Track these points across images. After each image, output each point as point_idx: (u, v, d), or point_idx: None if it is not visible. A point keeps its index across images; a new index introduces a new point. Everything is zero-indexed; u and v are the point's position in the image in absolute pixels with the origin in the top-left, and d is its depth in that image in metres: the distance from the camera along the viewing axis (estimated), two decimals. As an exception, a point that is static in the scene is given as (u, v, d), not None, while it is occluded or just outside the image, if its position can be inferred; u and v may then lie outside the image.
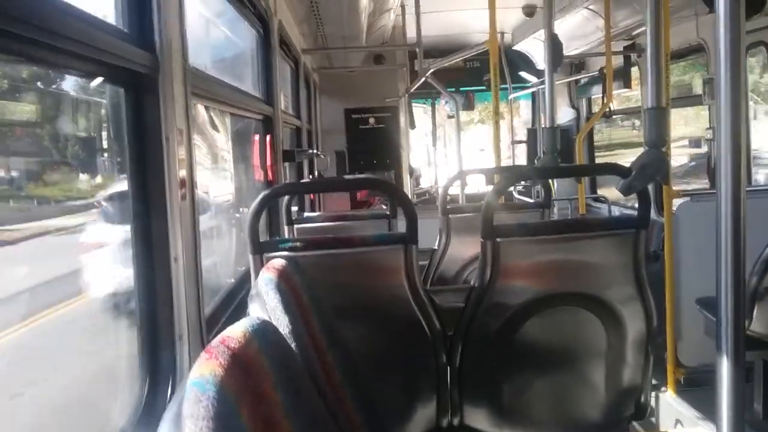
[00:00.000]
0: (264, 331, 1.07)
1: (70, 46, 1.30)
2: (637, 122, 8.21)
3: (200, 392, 0.82)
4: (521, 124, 9.72)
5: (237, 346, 0.96)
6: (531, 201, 5.59)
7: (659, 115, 2.17)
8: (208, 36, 3.27)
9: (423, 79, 5.86)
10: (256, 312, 1.40)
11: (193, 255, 1.84)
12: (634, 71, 5.89)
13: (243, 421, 0.87)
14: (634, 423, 2.78)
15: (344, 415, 1.45)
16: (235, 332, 1.00)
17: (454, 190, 5.79)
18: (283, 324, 1.34)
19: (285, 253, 2.04)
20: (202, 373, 0.86)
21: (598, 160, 7.49)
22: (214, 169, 3.40)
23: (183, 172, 1.80)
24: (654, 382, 2.72)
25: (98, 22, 1.49)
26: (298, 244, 2.08)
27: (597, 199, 6.66)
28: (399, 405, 2.17)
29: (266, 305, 1.38)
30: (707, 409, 3.33)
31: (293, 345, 1.31)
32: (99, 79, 1.69)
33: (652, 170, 2.17)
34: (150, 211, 1.70)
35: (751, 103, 4.95)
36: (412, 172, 7.78)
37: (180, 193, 1.76)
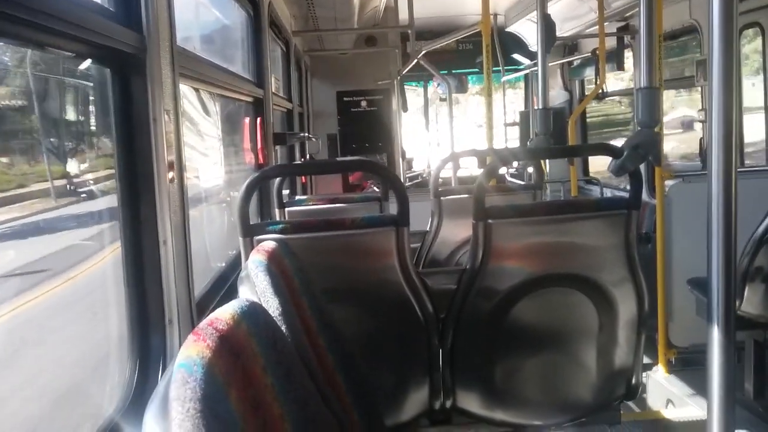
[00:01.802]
0: (253, 313, 1.06)
1: (55, 25, 1.27)
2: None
3: (187, 374, 0.81)
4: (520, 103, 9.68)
5: (225, 328, 0.95)
6: (523, 183, 5.59)
7: (651, 94, 2.15)
8: (197, 16, 3.23)
9: (415, 61, 5.82)
10: (245, 294, 1.39)
11: (183, 238, 1.83)
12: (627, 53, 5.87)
13: (231, 402, 0.86)
14: (626, 403, 2.80)
15: (336, 398, 1.44)
16: (224, 314, 0.99)
17: (447, 172, 5.79)
18: (273, 306, 1.33)
19: (275, 235, 2.02)
20: (189, 355, 0.84)
21: (593, 139, 7.50)
22: (203, 152, 3.37)
23: (171, 155, 1.78)
24: (646, 362, 2.74)
25: (84, 1, 1.46)
26: (288, 226, 2.06)
27: (589, 181, 6.67)
28: (391, 387, 2.17)
29: (256, 288, 1.37)
30: (698, 388, 3.36)
31: (283, 327, 1.30)
32: (87, 61, 1.66)
33: (644, 150, 2.16)
34: (138, 193, 1.68)
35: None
36: (404, 154, 7.75)
37: (168, 176, 1.74)
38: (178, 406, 0.77)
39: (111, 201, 1.74)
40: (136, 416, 1.52)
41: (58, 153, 1.82)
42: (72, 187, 1.83)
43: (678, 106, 6.95)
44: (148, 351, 1.67)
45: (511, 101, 9.51)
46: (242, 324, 1.00)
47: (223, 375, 0.86)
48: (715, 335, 1.45)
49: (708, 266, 1.44)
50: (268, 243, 1.65)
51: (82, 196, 1.91)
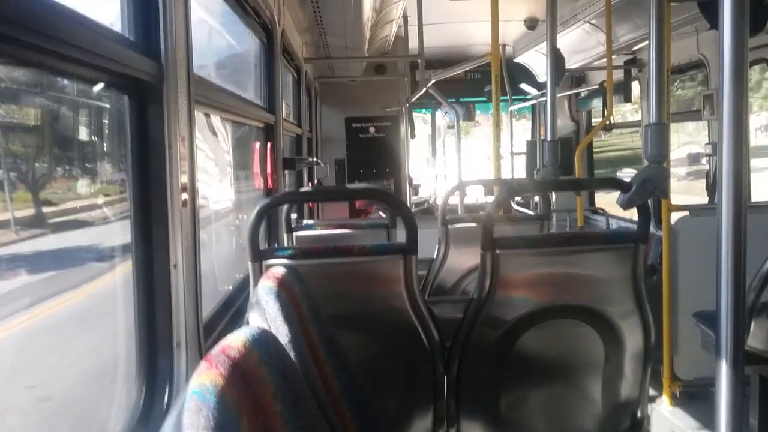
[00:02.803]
0: (264, 340, 1.08)
1: (75, 54, 1.31)
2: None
3: (201, 402, 0.82)
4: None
5: (237, 356, 0.96)
6: (530, 212, 5.60)
7: (659, 130, 2.18)
8: (212, 44, 3.29)
9: (424, 89, 5.89)
10: (255, 321, 1.40)
11: (193, 262, 1.85)
12: (634, 85, 5.92)
13: (242, 430, 0.87)
14: None
15: (342, 426, 1.45)
16: (236, 341, 1.01)
17: (454, 200, 5.81)
18: (282, 333, 1.34)
19: (284, 260, 2.04)
20: (202, 382, 0.86)
21: (603, 167, 7.52)
22: (215, 176, 3.41)
23: (185, 179, 1.81)
24: (650, 394, 2.72)
25: (104, 30, 1.50)
26: (297, 252, 2.08)
27: (595, 212, 6.68)
28: (396, 415, 2.17)
29: (266, 314, 1.38)
30: (703, 422, 3.33)
31: (292, 355, 1.31)
32: (102, 86, 1.69)
33: (652, 185, 2.19)
34: (151, 217, 1.70)
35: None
36: (410, 181, 7.79)
37: (181, 200, 1.77)
38: None
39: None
40: None
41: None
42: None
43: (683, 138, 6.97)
44: (155, 373, 1.68)
45: (521, 130, 9.57)
46: (254, 351, 1.02)
47: (235, 403, 0.88)
48: (724, 370, 1.45)
49: (717, 301, 1.44)
50: (278, 269, 1.66)
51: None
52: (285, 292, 1.50)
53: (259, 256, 2.07)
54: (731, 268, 1.40)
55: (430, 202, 8.41)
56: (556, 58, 3.79)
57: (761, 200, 4.82)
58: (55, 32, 1.18)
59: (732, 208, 1.39)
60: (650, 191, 2.18)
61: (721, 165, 1.39)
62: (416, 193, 8.87)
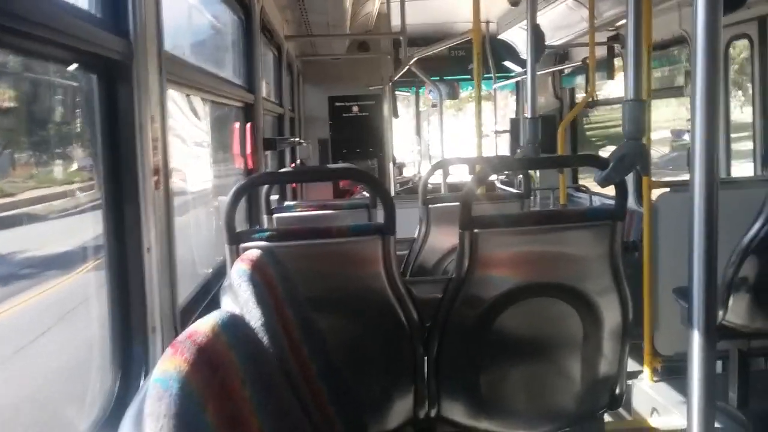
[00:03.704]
0: (233, 324, 1.06)
1: (40, 32, 1.26)
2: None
3: (162, 389, 0.80)
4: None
5: (204, 341, 0.94)
6: (513, 191, 5.61)
7: (637, 107, 2.17)
8: (188, 21, 3.22)
9: (407, 67, 5.84)
10: (228, 305, 1.38)
11: (168, 245, 1.82)
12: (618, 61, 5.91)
13: (208, 417, 0.86)
14: (610, 412, 2.81)
15: (318, 408, 1.44)
16: (203, 326, 0.99)
17: (437, 179, 5.80)
18: (255, 317, 1.33)
19: (262, 243, 2.02)
20: (165, 369, 0.84)
21: (588, 148, 7.55)
22: (191, 156, 3.36)
23: (157, 160, 1.77)
24: (632, 369, 2.75)
25: (70, 7, 1.45)
26: (274, 234, 2.06)
27: (578, 189, 6.70)
28: (375, 397, 2.17)
29: (238, 298, 1.37)
30: (683, 397, 3.37)
31: (265, 338, 1.29)
32: (67, 65, 1.65)
33: (631, 161, 2.18)
34: (123, 199, 1.67)
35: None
36: (394, 160, 7.76)
37: (153, 181, 1.73)
38: (152, 422, 0.76)
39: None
40: (116, 425, 1.51)
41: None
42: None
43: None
44: (131, 359, 1.66)
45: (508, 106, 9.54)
46: (222, 336, 1.00)
47: (200, 389, 0.86)
48: (696, 344, 1.46)
49: (689, 276, 1.45)
50: (252, 251, 1.64)
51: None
52: (259, 274, 1.48)
53: (236, 239, 2.05)
54: (703, 243, 1.41)
55: (415, 181, 8.40)
56: (537, 34, 3.77)
57: (741, 175, 4.86)
58: (16, 9, 1.14)
59: (704, 183, 1.39)
60: (628, 168, 2.17)
61: (694, 140, 1.39)
62: (401, 173, 8.86)
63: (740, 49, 5.03)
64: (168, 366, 0.85)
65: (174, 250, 1.86)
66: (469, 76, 7.93)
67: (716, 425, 1.51)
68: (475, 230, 2.07)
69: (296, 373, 1.39)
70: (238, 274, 1.44)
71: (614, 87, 7.07)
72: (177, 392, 0.80)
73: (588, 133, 7.63)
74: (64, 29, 1.35)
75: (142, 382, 1.61)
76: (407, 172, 9.37)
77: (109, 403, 1.58)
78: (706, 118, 1.40)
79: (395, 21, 5.87)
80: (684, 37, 4.83)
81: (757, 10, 4.36)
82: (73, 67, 1.68)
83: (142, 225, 1.68)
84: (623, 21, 5.28)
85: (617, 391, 2.30)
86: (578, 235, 2.16)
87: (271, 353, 1.24)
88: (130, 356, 1.64)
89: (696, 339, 1.45)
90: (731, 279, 2.76)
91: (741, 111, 5.09)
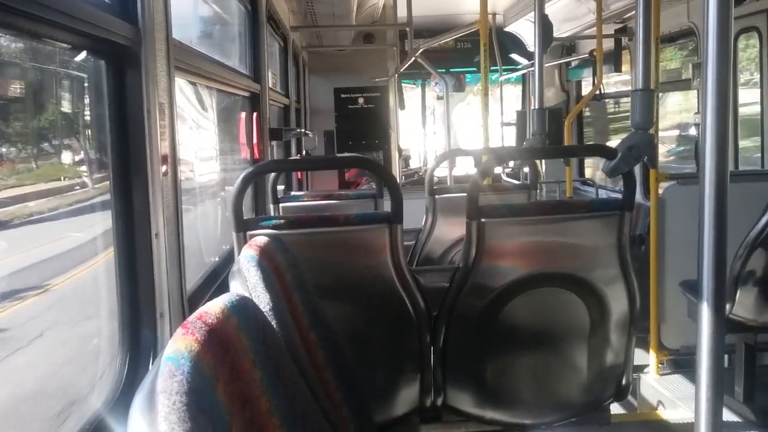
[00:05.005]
0: (243, 307, 1.06)
1: (49, 16, 1.27)
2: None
3: (175, 367, 0.80)
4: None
5: (214, 322, 0.94)
6: (518, 183, 5.60)
7: (646, 97, 2.16)
8: (195, 10, 3.22)
9: (413, 59, 5.82)
10: (236, 289, 1.39)
11: (175, 232, 1.82)
12: (625, 55, 5.88)
13: (218, 396, 0.86)
14: (617, 404, 2.81)
15: (325, 394, 1.44)
16: (213, 308, 0.99)
17: (444, 171, 5.79)
18: (264, 302, 1.33)
19: (269, 231, 2.02)
20: (177, 348, 0.84)
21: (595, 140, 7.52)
22: (199, 145, 3.36)
23: (165, 148, 1.77)
24: (638, 363, 2.74)
25: None
26: (281, 222, 2.06)
27: (585, 182, 6.68)
28: (382, 384, 2.17)
29: (247, 282, 1.37)
30: (689, 390, 3.37)
31: (274, 323, 1.29)
32: (76, 50, 1.65)
33: (638, 152, 2.17)
34: (131, 186, 1.68)
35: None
36: (401, 152, 7.75)
37: (162, 169, 1.74)
38: (164, 399, 0.77)
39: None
40: (125, 408, 1.52)
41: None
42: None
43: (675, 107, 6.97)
44: (139, 344, 1.67)
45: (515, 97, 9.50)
46: (232, 318, 1.00)
47: (211, 369, 0.86)
48: (705, 337, 1.46)
49: (698, 269, 1.44)
50: (260, 238, 1.64)
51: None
52: (267, 260, 1.48)
53: (243, 226, 2.05)
54: (713, 237, 1.40)
55: (420, 173, 8.38)
56: (545, 26, 3.74)
57: (750, 168, 4.84)
58: None
59: (714, 176, 1.38)
60: (636, 158, 2.17)
61: (705, 133, 1.38)
62: (407, 165, 8.84)
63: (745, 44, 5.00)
64: (179, 345, 0.85)
65: (182, 237, 1.86)
66: (475, 69, 7.90)
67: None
68: (482, 220, 2.07)
69: (304, 358, 1.39)
70: (247, 259, 1.44)
71: (614, 87, 7.06)
72: (189, 370, 0.80)
73: (585, 130, 7.61)
74: (73, 13, 1.35)
75: (150, 364, 1.62)
76: (413, 164, 9.36)
77: (119, 385, 1.59)
78: (716, 111, 1.38)
79: (401, 12, 5.84)
80: (692, 30, 4.80)
81: (766, 2, 4.33)
82: (83, 54, 1.68)
83: (150, 211, 1.68)
84: (630, 13, 5.26)
85: (623, 382, 2.30)
86: (586, 225, 2.15)
87: (280, 337, 1.24)
88: (138, 340, 1.65)
89: (705, 332, 1.44)
90: (738, 272, 2.75)
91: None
